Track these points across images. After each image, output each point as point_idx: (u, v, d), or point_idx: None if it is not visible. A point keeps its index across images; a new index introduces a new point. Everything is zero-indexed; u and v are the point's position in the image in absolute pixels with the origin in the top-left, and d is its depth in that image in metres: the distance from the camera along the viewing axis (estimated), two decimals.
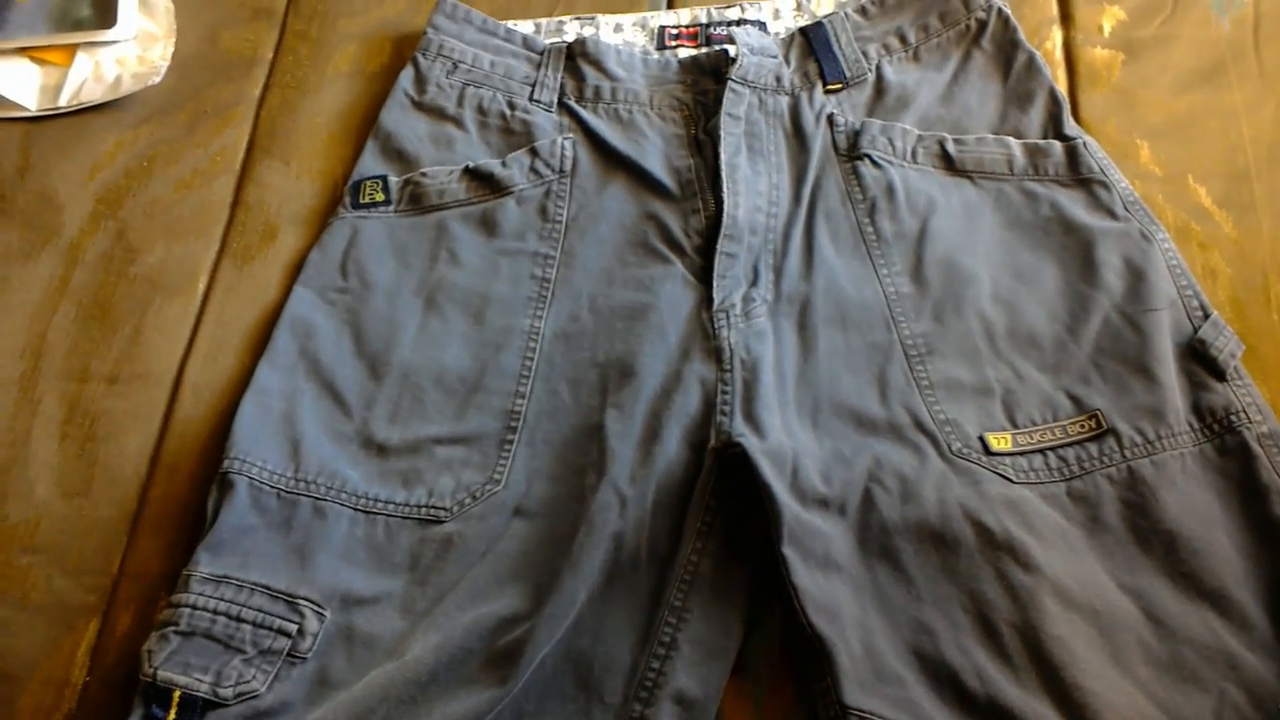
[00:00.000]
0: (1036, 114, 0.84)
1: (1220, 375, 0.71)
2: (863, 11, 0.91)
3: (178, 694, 0.64)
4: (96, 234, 0.90)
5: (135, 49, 0.98)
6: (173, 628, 0.67)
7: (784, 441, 0.70)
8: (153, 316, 0.86)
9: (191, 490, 0.77)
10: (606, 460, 0.71)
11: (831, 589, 0.66)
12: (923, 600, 0.66)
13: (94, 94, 0.96)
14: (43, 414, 0.82)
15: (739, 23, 0.93)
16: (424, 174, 0.86)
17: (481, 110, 0.90)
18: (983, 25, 0.88)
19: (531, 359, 0.78)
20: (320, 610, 0.68)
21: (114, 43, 0.97)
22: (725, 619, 0.68)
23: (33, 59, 0.97)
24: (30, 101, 0.96)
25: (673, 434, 0.72)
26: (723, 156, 0.82)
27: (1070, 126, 0.83)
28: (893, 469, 0.70)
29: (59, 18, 0.97)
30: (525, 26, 0.95)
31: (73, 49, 0.97)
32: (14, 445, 0.80)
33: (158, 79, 0.96)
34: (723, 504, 0.70)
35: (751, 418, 0.71)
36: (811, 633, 0.64)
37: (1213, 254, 0.80)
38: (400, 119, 0.89)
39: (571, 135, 0.88)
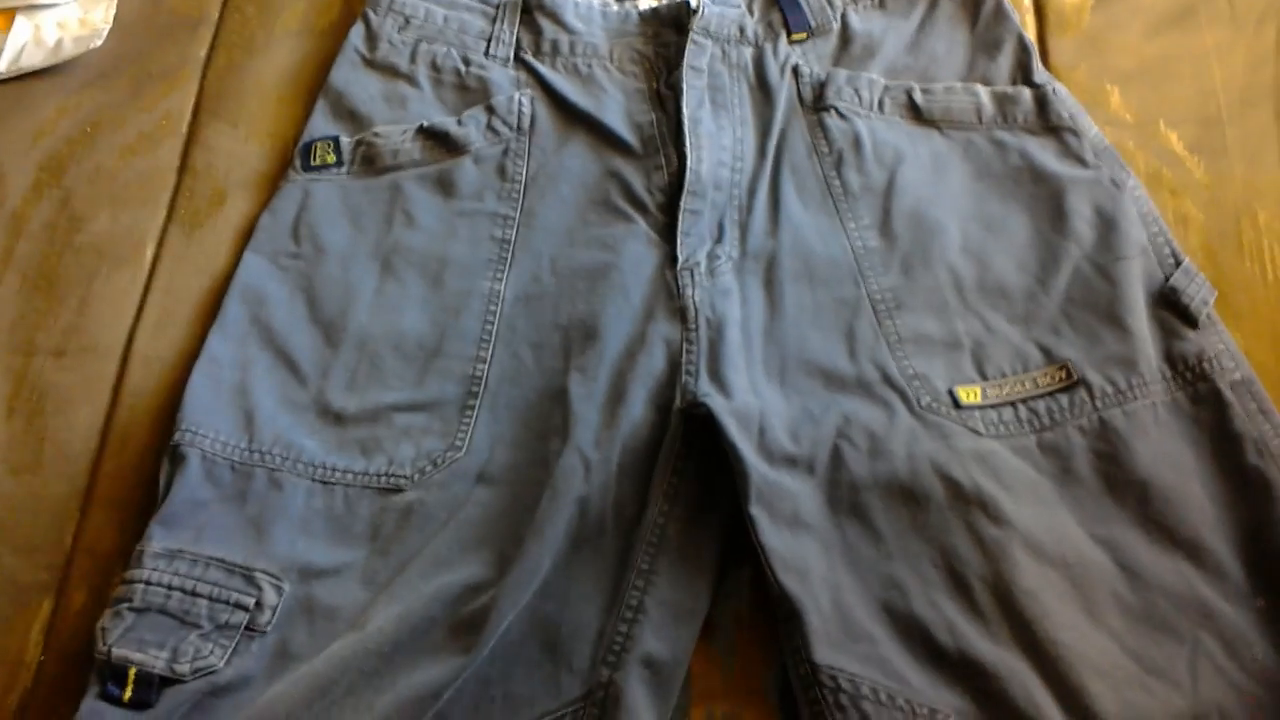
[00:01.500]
0: (1005, 61, 0.82)
1: (1192, 322, 0.70)
2: None
3: (133, 671, 0.62)
4: (40, 203, 0.87)
5: (76, 11, 0.94)
6: (127, 604, 0.65)
7: (750, 401, 0.69)
8: (100, 287, 0.83)
9: (144, 464, 0.75)
10: (570, 424, 0.70)
11: (800, 548, 0.65)
12: (893, 556, 0.65)
13: (34, 59, 0.92)
14: None
15: None
16: (377, 134, 0.83)
17: (435, 67, 0.87)
18: None
19: (492, 322, 0.76)
20: (278, 583, 0.67)
21: (53, 5, 0.93)
22: (693, 581, 0.66)
23: None
24: None
25: (638, 396, 0.71)
26: (685, 111, 0.80)
27: (1039, 73, 0.81)
28: (861, 425, 0.69)
29: None
30: None
31: (11, 12, 0.93)
32: None
33: (100, 42, 0.92)
34: (689, 465, 0.69)
35: (717, 377, 0.70)
36: (780, 592, 0.63)
37: (1184, 200, 0.79)
38: (351, 77, 0.87)
39: (529, 91, 0.85)
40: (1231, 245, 0.77)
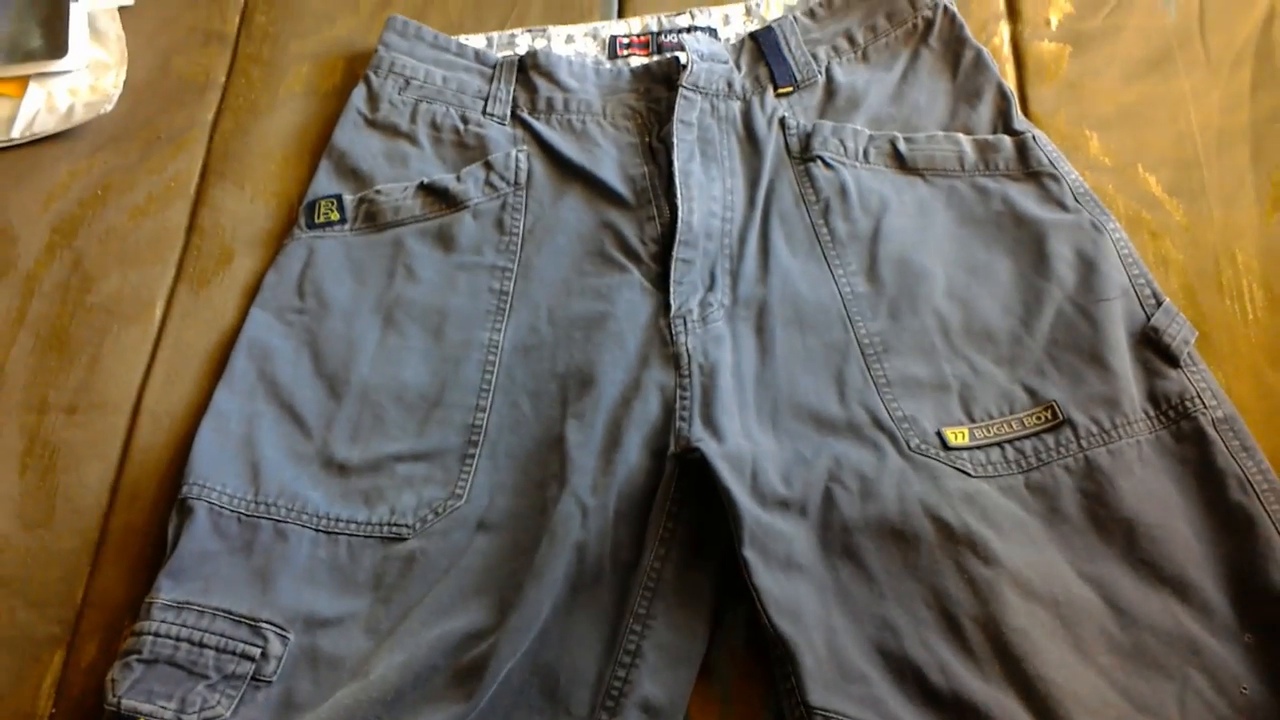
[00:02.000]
0: (985, 109, 0.85)
1: (1174, 362, 0.71)
2: (811, 14, 0.91)
3: None
4: (52, 264, 0.90)
5: (87, 78, 0.97)
6: (136, 656, 0.66)
7: (743, 445, 0.70)
8: (110, 345, 0.85)
9: (153, 518, 0.77)
10: (568, 471, 0.71)
11: (794, 589, 0.66)
12: (885, 597, 0.66)
13: (47, 124, 0.96)
14: (2, 446, 0.81)
15: (689, 30, 0.94)
16: (379, 191, 0.86)
17: (435, 126, 0.90)
18: (930, 23, 0.89)
19: (491, 372, 0.78)
20: (283, 633, 0.68)
21: (66, 72, 0.97)
22: (690, 625, 0.68)
23: None
24: None
25: (633, 442, 0.72)
26: (676, 163, 0.82)
27: (1019, 121, 0.83)
28: (852, 468, 0.70)
29: (9, 49, 0.97)
30: (477, 41, 0.95)
31: (25, 80, 0.97)
32: None
33: (110, 107, 0.96)
34: (684, 510, 0.70)
35: (710, 422, 0.71)
36: (774, 634, 0.64)
37: (1164, 242, 0.81)
38: (354, 137, 0.89)
39: (525, 147, 0.88)
40: (1211, 285, 0.79)
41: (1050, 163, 0.81)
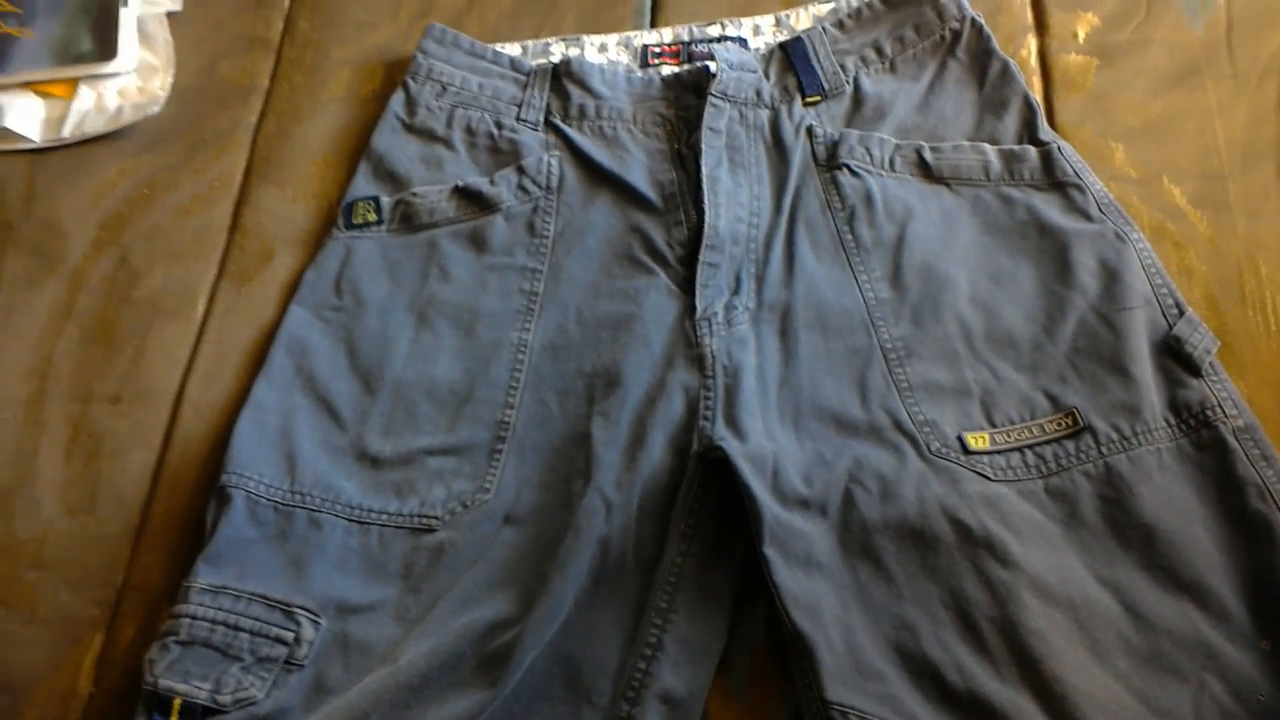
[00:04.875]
0: (1011, 120, 0.85)
1: (1195, 371, 0.71)
2: (840, 25, 0.93)
3: (178, 702, 0.66)
4: (99, 260, 0.93)
5: (136, 80, 1.00)
6: (173, 637, 0.69)
7: (765, 444, 0.72)
8: (154, 338, 0.88)
9: (192, 505, 0.79)
10: (593, 467, 0.73)
11: (813, 587, 0.67)
12: (903, 597, 0.66)
13: (96, 125, 0.99)
14: (49, 434, 0.84)
15: (720, 40, 0.95)
16: (415, 194, 0.88)
17: (470, 131, 0.92)
18: (957, 35, 0.90)
19: (520, 371, 0.80)
20: (316, 618, 0.70)
21: (115, 75, 1.00)
22: (710, 619, 0.69)
23: (36, 92, 1.00)
24: (35, 133, 0.99)
25: (657, 440, 0.74)
26: (704, 169, 0.84)
27: (1045, 131, 0.84)
28: (873, 469, 0.71)
29: (61, 52, 1.00)
30: (512, 49, 0.97)
31: (75, 82, 1.00)
32: (21, 465, 0.83)
33: (157, 109, 0.99)
34: (706, 507, 0.71)
35: (733, 422, 0.72)
36: (793, 630, 0.65)
37: (1188, 253, 0.81)
38: (391, 141, 0.92)
39: (557, 153, 0.90)
40: (1234, 296, 0.79)
41: (1075, 173, 0.81)
